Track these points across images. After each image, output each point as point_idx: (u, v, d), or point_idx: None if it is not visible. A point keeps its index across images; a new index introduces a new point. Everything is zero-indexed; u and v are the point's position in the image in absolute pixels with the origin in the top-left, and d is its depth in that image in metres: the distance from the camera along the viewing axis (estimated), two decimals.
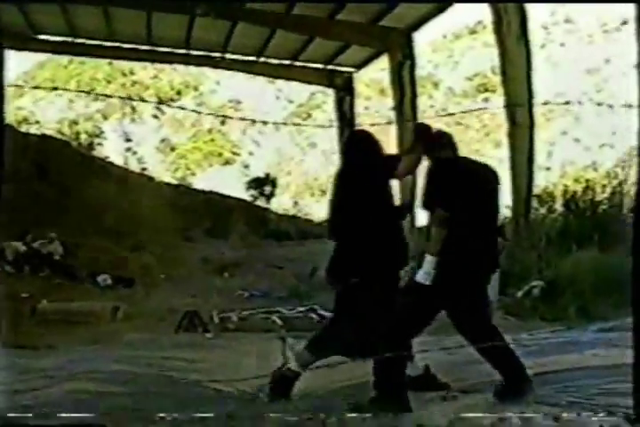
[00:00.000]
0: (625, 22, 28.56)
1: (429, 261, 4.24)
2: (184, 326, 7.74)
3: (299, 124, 26.51)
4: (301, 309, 9.24)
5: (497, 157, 26.00)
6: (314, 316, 9.01)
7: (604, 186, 13.14)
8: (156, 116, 29.38)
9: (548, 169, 18.39)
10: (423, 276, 4.25)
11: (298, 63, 18.12)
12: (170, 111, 29.14)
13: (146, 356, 5.61)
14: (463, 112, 22.12)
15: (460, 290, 4.29)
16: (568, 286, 9.47)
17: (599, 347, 5.95)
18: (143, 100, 26.74)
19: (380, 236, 4.57)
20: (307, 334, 7.23)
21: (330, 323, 4.99)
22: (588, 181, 13.32)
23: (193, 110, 23.20)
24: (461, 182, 4.30)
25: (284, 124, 25.91)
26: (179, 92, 29.51)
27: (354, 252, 4.62)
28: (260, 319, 8.73)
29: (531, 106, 13.11)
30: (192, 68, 27.22)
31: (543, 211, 12.99)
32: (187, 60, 18.94)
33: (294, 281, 11.67)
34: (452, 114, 25.77)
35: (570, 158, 20.93)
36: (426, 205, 4.30)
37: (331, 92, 20.01)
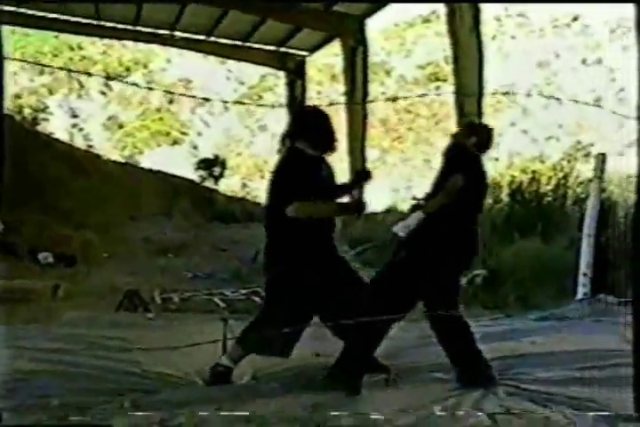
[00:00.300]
0: (575, 19, 29.02)
1: (415, 216, 4.32)
2: (124, 306, 7.65)
3: (262, 105, 26.26)
4: (244, 291, 9.19)
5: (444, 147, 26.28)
6: (256, 298, 8.97)
7: (549, 178, 13.37)
8: (103, 93, 28.82)
9: (496, 160, 18.64)
10: (401, 227, 4.37)
11: (250, 44, 18.00)
12: (118, 88, 28.62)
13: (84, 334, 5.52)
14: (419, 95, 22.16)
15: (432, 261, 4.39)
16: (509, 274, 9.65)
17: (536, 335, 6.08)
18: (90, 75, 26.05)
19: (304, 224, 4.51)
20: (248, 316, 7.26)
21: (259, 316, 4.86)
22: (534, 172, 13.53)
23: (149, 88, 22.64)
24: (478, 174, 4.68)
25: (243, 103, 25.64)
26: (128, 69, 28.95)
27: (279, 240, 4.56)
28: (202, 301, 8.67)
29: (480, 96, 13.26)
30: (142, 45, 26.71)
31: (489, 200, 13.18)
32: (136, 37, 18.66)
33: (238, 263, 11.61)
34: (399, 98, 25.89)
35: (517, 149, 21.27)
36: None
37: (282, 74, 19.93)
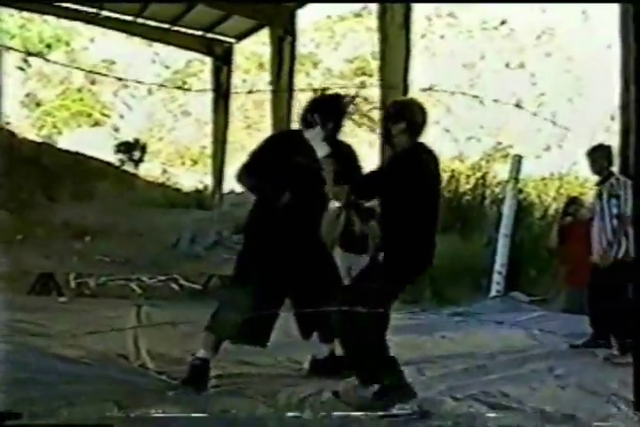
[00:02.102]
0: (503, 22, 29.62)
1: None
2: (37, 289, 7.47)
3: (187, 90, 25.78)
4: (162, 277, 9.14)
5: (368, 141, 26.50)
6: (174, 285, 8.95)
7: (468, 177, 13.66)
8: (21, 69, 27.89)
9: None
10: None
11: (178, 28, 17.75)
12: (37, 64, 27.74)
13: None
14: (341, 87, 22.20)
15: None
16: (428, 271, 9.84)
17: (447, 330, 6.24)
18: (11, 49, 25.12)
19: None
20: (164, 303, 7.21)
21: (225, 299, 4.59)
22: (453, 171, 13.78)
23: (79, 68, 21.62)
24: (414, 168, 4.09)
25: (180, 88, 25.13)
26: (49, 46, 28.06)
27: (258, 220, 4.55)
28: (118, 286, 8.58)
29: (405, 93, 13.42)
30: (64, 22, 25.94)
31: None
32: (60, 13, 18.14)
33: (156, 249, 11.49)
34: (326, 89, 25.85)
35: (438, 148, 21.53)
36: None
37: (208, 60, 19.73)
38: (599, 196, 5.81)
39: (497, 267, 7.61)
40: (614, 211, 5.60)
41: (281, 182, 4.36)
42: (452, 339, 5.66)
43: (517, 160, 7.69)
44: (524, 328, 6.29)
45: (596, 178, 6.06)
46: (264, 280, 4.29)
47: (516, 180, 7.76)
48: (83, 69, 23.65)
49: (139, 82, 16.56)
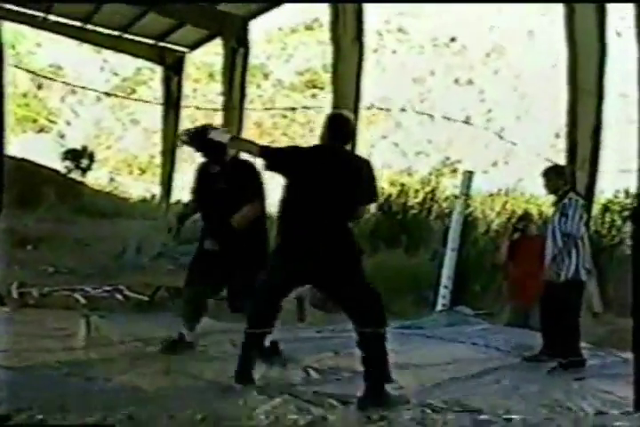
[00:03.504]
0: (453, 39, 30.08)
1: None
2: None
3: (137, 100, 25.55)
4: (107, 288, 8.97)
5: None
6: (119, 296, 8.79)
7: (416, 191, 13.76)
8: None
9: None
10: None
11: (129, 36, 17.60)
12: None
13: None
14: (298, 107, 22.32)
15: None
16: (371, 283, 9.86)
17: (395, 343, 6.25)
18: None
19: None
20: (110, 315, 7.09)
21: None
22: (402, 185, 13.87)
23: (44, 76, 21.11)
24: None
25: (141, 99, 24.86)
26: None
27: None
28: (62, 296, 8.39)
29: (357, 107, 13.53)
30: (8, 25, 25.49)
31: None
32: (6, 15, 17.79)
33: (102, 259, 11.29)
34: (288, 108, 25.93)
35: (387, 162, 21.74)
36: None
37: (158, 69, 19.60)
38: (553, 214, 5.96)
39: (443, 280, 7.69)
40: (564, 229, 5.73)
41: None
42: (398, 352, 5.67)
43: (468, 176, 7.80)
44: (468, 341, 6.35)
45: (544, 195, 6.20)
46: None
47: (467, 195, 7.85)
48: (32, 72, 23.24)
49: (92, 90, 16.33)
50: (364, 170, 4.52)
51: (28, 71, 23.61)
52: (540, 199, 15.06)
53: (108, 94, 23.12)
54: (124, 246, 12.28)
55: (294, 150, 4.70)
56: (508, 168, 25.47)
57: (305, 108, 22.93)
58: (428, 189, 13.81)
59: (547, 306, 5.88)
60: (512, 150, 26.11)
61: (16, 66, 25.76)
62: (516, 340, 6.46)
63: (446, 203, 13.25)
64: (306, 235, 4.37)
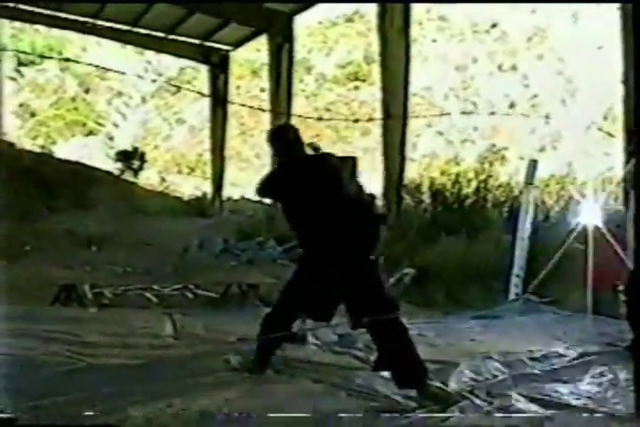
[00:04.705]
0: (494, 25, 29.80)
1: None
2: (61, 300, 7.47)
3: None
4: (176, 286, 9.13)
5: (363, 146, 26.58)
6: (189, 294, 8.94)
7: (469, 180, 13.72)
8: (13, 79, 27.83)
9: (412, 160, 18.98)
10: None
11: (174, 37, 17.80)
12: (30, 74, 27.70)
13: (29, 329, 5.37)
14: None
15: None
16: (436, 274, 9.89)
17: (474, 333, 6.28)
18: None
19: None
20: (190, 311, 7.22)
21: None
22: (457, 175, 13.82)
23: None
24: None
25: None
26: (41, 56, 28.00)
27: None
28: (134, 296, 8.57)
29: (406, 98, 13.51)
30: (55, 31, 25.92)
31: (410, 201, 13.43)
32: (56, 23, 18.10)
33: (165, 258, 11.48)
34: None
35: (434, 151, 21.75)
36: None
37: (202, 67, 19.78)
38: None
39: (515, 270, 7.67)
40: None
41: None
42: (481, 342, 5.71)
43: (533, 164, 7.75)
44: (546, 330, 6.35)
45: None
46: None
47: (532, 184, 7.81)
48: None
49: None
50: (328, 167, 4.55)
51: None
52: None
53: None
54: (185, 245, 12.49)
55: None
56: (557, 153, 25.21)
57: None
58: (481, 177, 13.75)
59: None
60: (559, 135, 25.88)
61: (62, 73, 26.26)
62: (594, 328, 6.43)
63: (499, 191, 13.18)
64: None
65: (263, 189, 4.69)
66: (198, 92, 18.69)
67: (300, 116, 15.83)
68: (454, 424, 3.68)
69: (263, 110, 16.62)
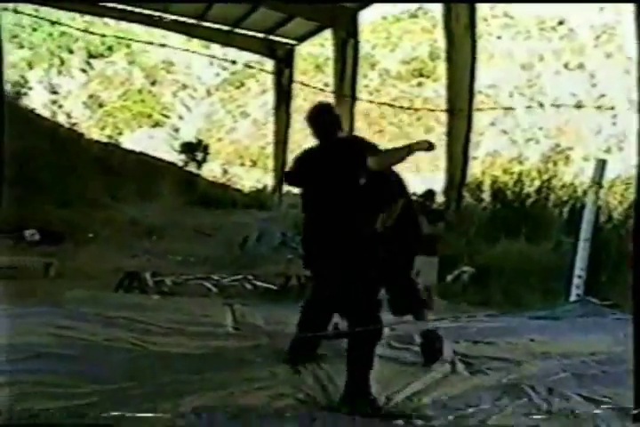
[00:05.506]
0: (561, 22, 29.28)
1: None
2: (125, 287, 7.65)
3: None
4: (236, 277, 9.25)
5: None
6: (248, 285, 9.05)
7: (532, 180, 13.55)
8: (84, 71, 28.45)
9: (474, 158, 18.82)
10: None
11: (240, 31, 17.96)
12: (99, 66, 28.28)
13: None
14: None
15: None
16: (496, 273, 9.80)
17: (534, 333, 6.21)
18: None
19: None
20: (249, 302, 7.31)
21: None
22: (519, 174, 13.67)
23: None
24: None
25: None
26: (110, 48, 28.59)
27: None
28: (194, 285, 8.71)
29: (472, 95, 13.44)
30: (123, 25, 26.43)
31: (471, 199, 13.34)
32: (124, 16, 18.43)
33: (225, 249, 11.63)
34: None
35: (497, 149, 21.51)
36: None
37: (266, 62, 19.92)
38: None
39: (577, 271, 7.55)
40: None
41: None
42: (542, 342, 5.65)
43: (601, 164, 7.60)
44: (610, 333, 6.24)
45: None
46: None
47: (599, 184, 7.67)
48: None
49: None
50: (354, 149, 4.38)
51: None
52: None
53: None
54: (244, 237, 12.61)
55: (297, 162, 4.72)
56: (623, 155, 24.67)
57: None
58: (545, 177, 13.57)
59: None
60: (626, 136, 25.32)
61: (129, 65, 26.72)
62: None
63: (562, 191, 12.99)
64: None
65: (288, 177, 4.71)
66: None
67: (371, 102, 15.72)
68: None
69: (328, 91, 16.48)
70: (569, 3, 23.92)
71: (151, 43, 22.35)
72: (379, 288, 4.50)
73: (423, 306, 4.89)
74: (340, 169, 4.30)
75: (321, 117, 4.56)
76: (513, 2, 22.83)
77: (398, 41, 30.19)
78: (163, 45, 20.92)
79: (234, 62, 23.36)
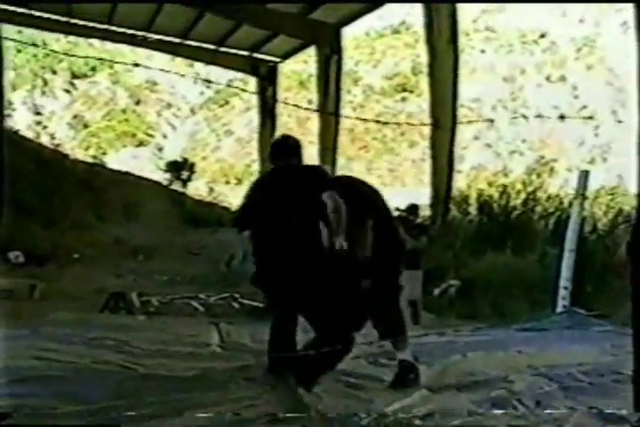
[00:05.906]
0: (543, 35, 29.54)
1: None
2: (110, 307, 7.60)
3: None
4: (222, 295, 9.23)
5: (411, 158, 26.54)
6: (234, 304, 9.02)
7: (518, 192, 13.59)
8: (67, 91, 28.44)
9: (459, 172, 18.90)
10: None
11: (223, 49, 17.99)
12: (83, 87, 28.27)
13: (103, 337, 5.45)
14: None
15: None
16: (483, 286, 9.81)
17: (521, 345, 6.20)
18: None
19: None
20: (236, 320, 7.27)
21: None
22: (504, 186, 13.71)
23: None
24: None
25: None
26: (93, 68, 28.61)
27: None
28: (180, 304, 8.68)
29: (454, 109, 13.48)
30: (108, 45, 26.47)
31: (456, 213, 13.36)
32: (107, 36, 18.44)
33: (211, 268, 11.60)
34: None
35: (481, 163, 21.60)
36: None
37: (250, 79, 19.94)
38: None
39: (562, 282, 7.55)
40: None
41: None
42: (528, 354, 5.63)
43: (584, 176, 7.62)
44: (596, 343, 6.24)
45: None
46: None
47: (583, 195, 7.69)
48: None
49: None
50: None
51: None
52: None
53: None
54: (230, 255, 12.57)
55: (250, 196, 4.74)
56: (607, 165, 24.84)
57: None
58: (529, 189, 13.62)
59: None
60: (609, 147, 25.48)
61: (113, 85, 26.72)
62: None
63: (548, 203, 13.02)
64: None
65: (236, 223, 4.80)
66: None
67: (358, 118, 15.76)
68: None
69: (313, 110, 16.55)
70: (569, 3, 24.05)
71: (137, 64, 22.36)
72: (348, 307, 4.40)
73: (403, 334, 4.70)
74: (294, 199, 4.37)
75: (282, 143, 4.71)
76: (513, 2, 22.90)
77: (381, 57, 30.36)
78: (136, 65, 20.81)
79: (210, 82, 23.44)
